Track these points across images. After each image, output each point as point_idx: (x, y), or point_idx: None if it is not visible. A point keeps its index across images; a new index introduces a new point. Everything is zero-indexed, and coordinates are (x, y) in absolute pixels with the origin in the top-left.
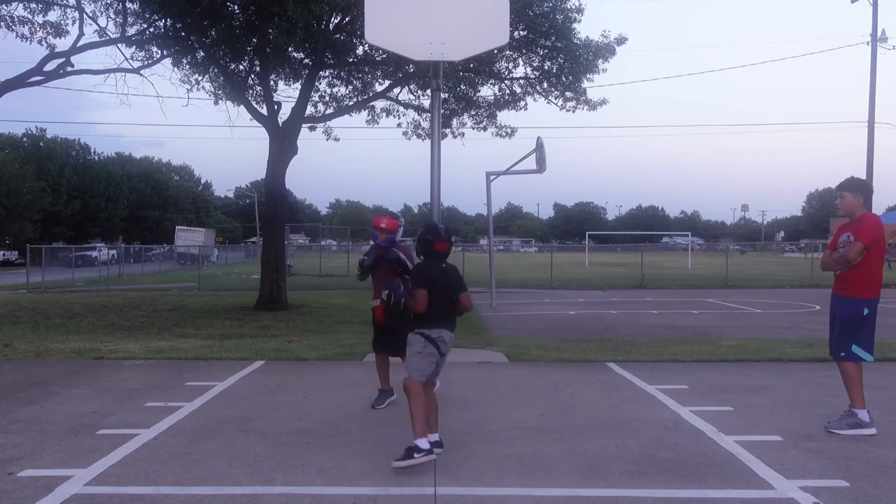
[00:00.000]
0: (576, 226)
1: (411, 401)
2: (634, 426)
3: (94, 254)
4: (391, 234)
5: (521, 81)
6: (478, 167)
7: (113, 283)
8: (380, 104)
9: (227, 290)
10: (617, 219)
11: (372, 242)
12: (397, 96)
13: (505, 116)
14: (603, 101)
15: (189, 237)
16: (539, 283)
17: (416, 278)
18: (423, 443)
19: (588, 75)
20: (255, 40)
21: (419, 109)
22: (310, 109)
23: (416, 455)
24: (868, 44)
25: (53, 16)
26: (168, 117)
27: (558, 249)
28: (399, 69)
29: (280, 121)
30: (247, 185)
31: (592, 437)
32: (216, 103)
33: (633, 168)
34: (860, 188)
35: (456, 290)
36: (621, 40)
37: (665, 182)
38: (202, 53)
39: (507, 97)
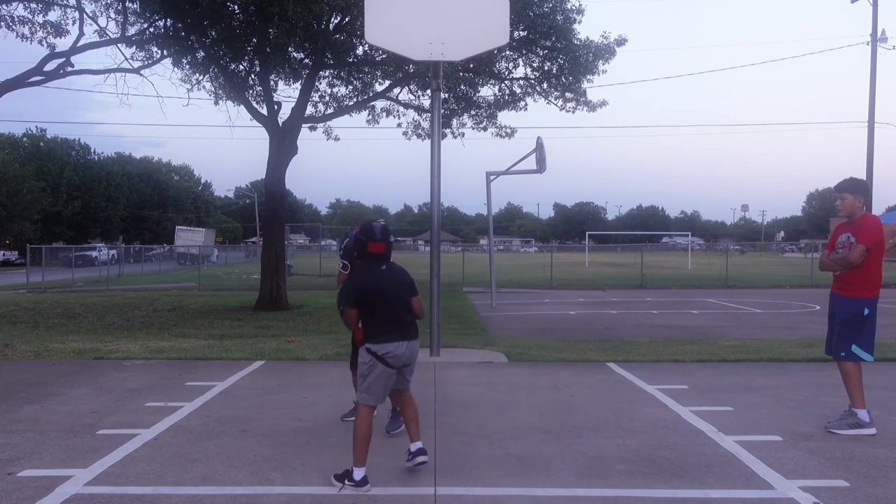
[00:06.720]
0: (576, 226)
1: (354, 425)
2: (634, 426)
3: (94, 254)
4: None
5: (521, 82)
6: (478, 167)
7: (113, 283)
8: (380, 104)
9: (227, 290)
10: (617, 219)
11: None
12: (397, 96)
13: (505, 116)
14: (603, 103)
15: (189, 237)
16: (539, 283)
17: (344, 290)
18: (357, 473)
19: (588, 76)
20: (255, 40)
21: (419, 109)
22: (310, 109)
23: (346, 482)
24: (868, 44)
25: (53, 16)
26: (168, 117)
27: (558, 249)
28: (399, 69)
29: (280, 121)
30: (247, 185)
31: (592, 437)
32: (216, 103)
33: (633, 168)
34: (861, 189)
35: (405, 294)
36: (621, 41)
37: (665, 182)
38: (202, 53)
39: (507, 97)
